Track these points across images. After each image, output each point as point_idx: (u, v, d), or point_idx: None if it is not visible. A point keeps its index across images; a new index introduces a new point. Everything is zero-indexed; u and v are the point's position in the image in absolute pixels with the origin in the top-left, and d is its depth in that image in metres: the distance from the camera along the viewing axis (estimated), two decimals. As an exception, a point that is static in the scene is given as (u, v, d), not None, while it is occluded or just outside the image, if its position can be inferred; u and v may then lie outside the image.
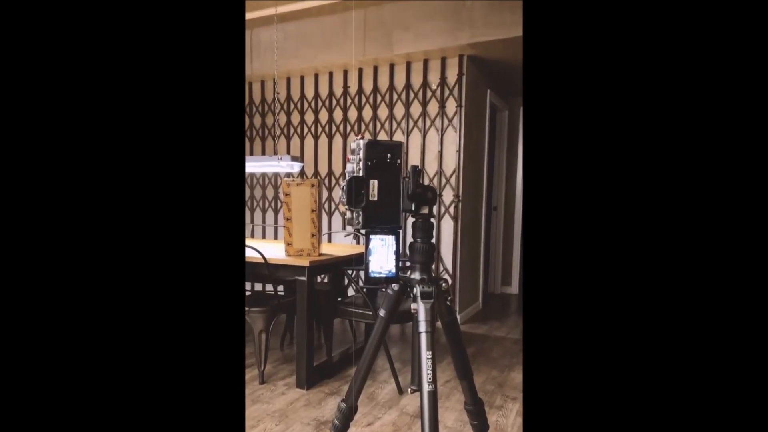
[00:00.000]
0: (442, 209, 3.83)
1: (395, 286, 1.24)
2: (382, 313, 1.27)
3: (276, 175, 4.59)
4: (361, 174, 1.13)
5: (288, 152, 4.45)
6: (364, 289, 2.70)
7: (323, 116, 4.29)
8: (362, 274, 2.97)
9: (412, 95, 3.89)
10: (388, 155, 1.14)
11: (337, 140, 4.24)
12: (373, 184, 1.14)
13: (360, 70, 4.09)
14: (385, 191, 1.15)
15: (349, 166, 1.15)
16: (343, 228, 4.12)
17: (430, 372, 1.12)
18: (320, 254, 2.55)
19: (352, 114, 4.15)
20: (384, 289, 1.27)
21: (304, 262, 2.41)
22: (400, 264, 1.21)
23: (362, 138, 1.13)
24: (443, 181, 3.80)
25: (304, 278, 2.44)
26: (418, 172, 1.15)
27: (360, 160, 1.13)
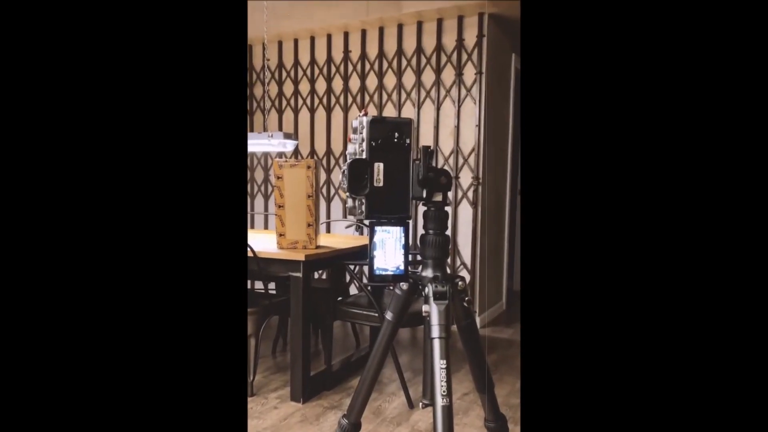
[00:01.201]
0: (460, 194, 3.83)
1: (404, 285, 1.25)
2: (389, 315, 1.28)
3: (266, 155, 4.61)
4: (364, 156, 1.14)
5: (280, 128, 4.46)
6: (369, 288, 2.72)
7: (320, 86, 4.29)
8: (366, 269, 2.99)
9: (423, 61, 3.87)
10: (396, 134, 1.14)
11: (337, 114, 4.24)
12: (378, 167, 1.14)
13: (363, 32, 4.07)
14: (392, 176, 1.15)
15: (351, 147, 1.16)
16: (344, 216, 4.13)
17: (444, 384, 1.14)
18: (318, 247, 2.57)
19: (354, 83, 4.15)
20: (391, 288, 1.28)
21: (299, 256, 2.42)
22: (410, 259, 1.22)
23: (365, 114, 1.13)
24: (460, 161, 3.80)
25: (299, 274, 2.46)
26: (430, 153, 1.15)
27: (363, 140, 1.14)
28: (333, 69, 4.23)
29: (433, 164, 1.19)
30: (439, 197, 1.21)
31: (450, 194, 3.76)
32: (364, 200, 1.15)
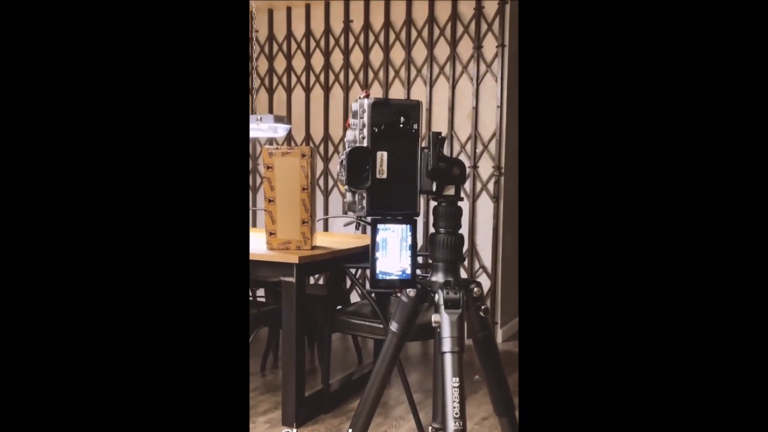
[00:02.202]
0: (478, 186, 3.84)
1: (411, 292, 1.26)
2: (394, 326, 1.29)
3: (255, 141, 4.62)
4: (365, 144, 1.15)
5: (270, 110, 4.47)
6: (372, 295, 2.72)
7: (317, 61, 4.29)
8: (369, 273, 3.00)
9: (437, 32, 3.87)
10: (401, 119, 1.15)
11: (336, 93, 4.25)
12: (382, 157, 1.15)
13: (366, -2, 4.08)
14: (398, 167, 1.16)
15: (350, 134, 1.17)
16: (344, 212, 4.14)
17: (457, 405, 1.14)
18: (313, 247, 2.57)
19: (356, 58, 4.15)
20: (397, 295, 1.28)
21: (293, 258, 2.43)
22: (418, 262, 1.23)
23: (366, 96, 1.14)
24: (480, 147, 3.80)
25: (292, 279, 2.47)
26: (441, 140, 1.16)
27: (364, 125, 1.14)
28: (332, 41, 4.23)
29: (446, 153, 1.19)
30: (451, 191, 1.22)
31: (468, 186, 3.77)
32: (365, 194, 1.16)
